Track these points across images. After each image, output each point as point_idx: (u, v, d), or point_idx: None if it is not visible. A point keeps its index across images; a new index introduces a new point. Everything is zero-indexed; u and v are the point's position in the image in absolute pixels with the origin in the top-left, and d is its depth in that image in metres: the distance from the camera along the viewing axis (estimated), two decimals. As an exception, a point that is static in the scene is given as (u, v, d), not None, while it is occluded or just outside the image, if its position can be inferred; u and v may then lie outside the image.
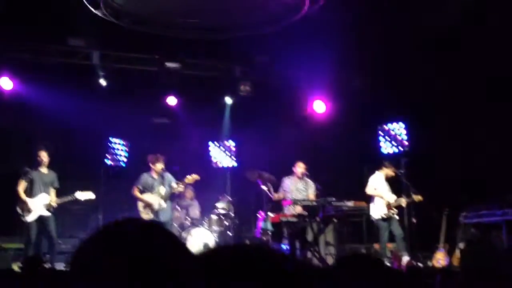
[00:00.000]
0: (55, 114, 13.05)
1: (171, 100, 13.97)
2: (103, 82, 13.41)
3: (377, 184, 11.20)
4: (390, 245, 11.24)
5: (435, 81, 12.09)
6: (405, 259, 10.49)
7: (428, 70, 12.08)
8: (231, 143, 13.80)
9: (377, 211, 11.05)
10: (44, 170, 10.42)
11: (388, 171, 11.23)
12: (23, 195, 10.09)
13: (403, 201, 10.97)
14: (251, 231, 13.31)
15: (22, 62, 12.49)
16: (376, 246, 11.75)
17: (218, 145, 13.82)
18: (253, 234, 12.94)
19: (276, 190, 11.01)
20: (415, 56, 11.98)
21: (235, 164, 13.64)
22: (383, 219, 10.99)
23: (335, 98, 13.93)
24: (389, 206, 10.98)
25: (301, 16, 11.61)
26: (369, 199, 11.14)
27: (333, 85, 13.87)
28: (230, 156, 13.75)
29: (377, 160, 12.00)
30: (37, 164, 10.34)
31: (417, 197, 10.89)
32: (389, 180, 11.30)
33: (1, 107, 12.33)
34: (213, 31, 12.36)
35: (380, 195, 11.06)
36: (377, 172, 11.32)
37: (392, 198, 11.05)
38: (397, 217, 11.00)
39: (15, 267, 10.11)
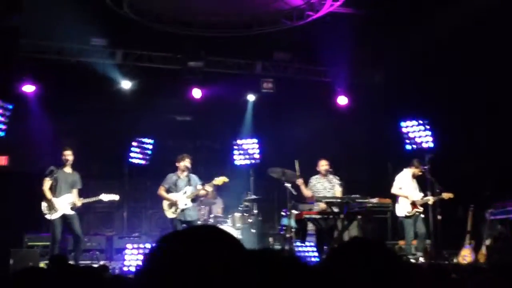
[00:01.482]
0: (79, 114, 13.18)
1: (196, 93, 13.93)
2: (126, 84, 13.49)
3: (403, 183, 11.10)
4: (415, 242, 11.15)
5: (459, 76, 11.96)
6: (420, 259, 10.41)
7: (451, 66, 11.97)
8: (254, 141, 13.79)
9: (401, 209, 10.97)
10: (68, 170, 10.50)
11: (415, 170, 11.10)
12: (48, 194, 10.18)
13: (430, 199, 10.86)
14: (275, 228, 13.31)
15: (47, 61, 12.60)
16: (401, 243, 11.67)
17: (241, 142, 13.82)
18: (276, 231, 12.95)
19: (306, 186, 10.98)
20: (438, 52, 11.88)
21: (258, 162, 13.63)
22: (407, 217, 10.91)
23: (358, 95, 13.86)
24: (414, 205, 10.88)
25: (323, 13, 11.60)
26: (394, 197, 11.07)
27: (356, 82, 13.80)
28: (253, 154, 13.74)
29: (402, 156, 11.92)
30: (62, 163, 10.43)
31: (447, 195, 10.77)
32: (417, 177, 11.19)
33: (26, 107, 12.45)
34: (235, 28, 12.39)
35: (405, 195, 10.96)
36: (404, 170, 11.20)
37: (418, 196, 10.94)
38: (422, 216, 10.90)
39: (42, 265, 10.23)
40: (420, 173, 11.12)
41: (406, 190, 11.02)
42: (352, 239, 2.34)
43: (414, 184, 11.09)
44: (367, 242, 2.19)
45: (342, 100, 14.48)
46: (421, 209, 10.90)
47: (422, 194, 10.93)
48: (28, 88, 12.62)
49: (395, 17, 11.35)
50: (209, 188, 11.07)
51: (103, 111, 13.54)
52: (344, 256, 2.11)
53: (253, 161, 13.60)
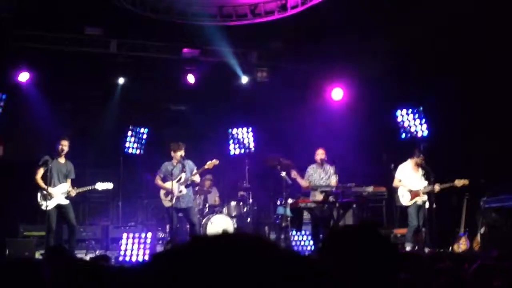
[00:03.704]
0: (74, 103, 13.15)
1: (190, 78, 13.87)
2: (121, 80, 13.46)
3: (403, 175, 11.10)
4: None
5: (453, 64, 11.97)
6: (408, 249, 10.40)
7: (444, 54, 11.98)
8: (249, 130, 13.78)
9: (402, 198, 10.98)
10: (62, 160, 10.48)
11: (417, 159, 11.05)
12: (41, 183, 10.17)
13: (436, 188, 10.74)
14: (270, 217, 13.34)
15: (40, 52, 12.54)
16: (397, 231, 11.70)
17: (236, 132, 13.81)
18: (271, 220, 12.98)
19: (303, 176, 10.99)
20: (432, 40, 11.87)
21: (253, 151, 13.63)
22: (409, 206, 10.90)
23: (353, 84, 13.84)
24: (415, 194, 10.85)
25: (317, 2, 11.57)
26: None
27: (351, 71, 13.78)
28: (248, 143, 13.74)
29: (397, 145, 11.94)
30: (56, 153, 10.40)
31: (461, 181, 10.70)
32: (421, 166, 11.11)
33: (20, 96, 12.41)
34: (229, 18, 12.36)
35: (404, 186, 10.96)
36: (408, 161, 11.16)
37: (421, 185, 10.88)
38: (427, 205, 10.82)
39: (38, 254, 10.26)
40: (421, 163, 11.05)
41: (407, 181, 11.01)
42: (346, 227, 2.35)
43: (417, 174, 11.03)
44: (359, 229, 2.19)
45: (337, 93, 14.48)
46: (423, 197, 10.84)
47: (425, 184, 10.85)
48: (23, 77, 12.55)
49: (390, 5, 11.33)
50: (201, 171, 11.09)
51: (98, 100, 13.50)
52: (339, 243, 2.11)
53: (248, 150, 13.60)
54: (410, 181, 11.01)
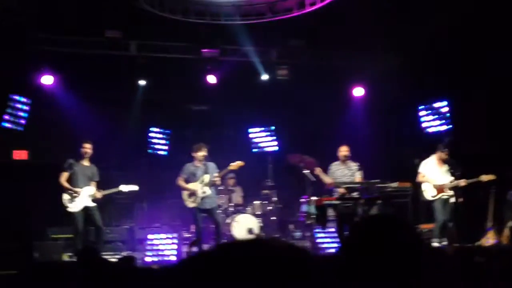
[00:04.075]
0: (96, 106, 13.23)
1: (211, 79, 13.88)
2: (142, 81, 13.51)
3: (427, 170, 11.01)
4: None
5: (478, 56, 11.83)
6: (435, 245, 10.33)
7: (468, 45, 11.84)
8: (271, 128, 13.76)
9: (426, 193, 10.91)
10: (86, 162, 10.55)
11: (441, 154, 10.96)
12: (67, 185, 10.26)
13: (462, 182, 10.64)
14: (294, 215, 13.31)
15: (62, 55, 12.64)
16: (423, 226, 11.60)
17: (258, 130, 13.80)
18: (296, 218, 12.95)
19: (326, 173, 10.95)
20: (455, 33, 11.75)
21: (276, 149, 13.61)
22: (434, 201, 10.83)
23: (374, 79, 13.74)
24: (440, 189, 10.76)
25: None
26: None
27: (372, 66, 13.68)
28: (271, 141, 13.72)
29: (421, 140, 11.84)
30: (80, 156, 10.48)
31: (487, 177, 10.57)
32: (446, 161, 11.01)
33: (44, 100, 12.53)
34: (248, 16, 12.34)
35: (428, 181, 10.88)
36: (432, 156, 11.07)
37: (445, 180, 10.79)
38: (453, 200, 10.72)
39: (66, 257, 10.34)
40: (445, 157, 10.95)
41: (431, 176, 10.92)
42: (372, 217, 2.28)
43: (441, 169, 10.93)
44: (388, 219, 2.16)
45: (358, 91, 14.43)
46: (448, 192, 10.74)
47: (451, 178, 10.74)
48: (47, 80, 12.65)
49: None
50: (226, 172, 11.11)
51: (120, 102, 13.57)
52: (366, 233, 2.08)
53: (271, 149, 13.58)
54: (434, 176, 10.91)
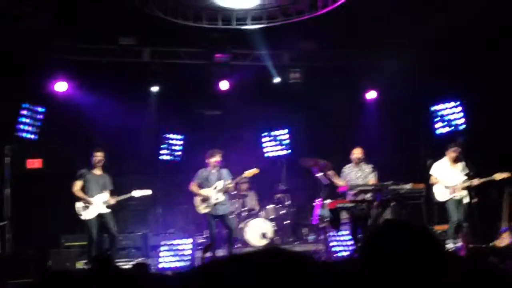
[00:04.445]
0: (109, 113, 13.30)
1: (223, 85, 13.94)
2: (155, 88, 13.57)
3: (438, 171, 11.00)
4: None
5: (489, 56, 11.76)
6: (449, 246, 10.29)
7: (478, 46, 11.78)
8: (284, 131, 13.76)
9: (436, 194, 10.89)
10: (98, 171, 10.59)
11: (452, 154, 10.95)
12: (81, 193, 10.30)
13: (475, 182, 10.58)
14: (308, 219, 13.29)
15: (75, 63, 12.72)
16: (437, 227, 11.56)
17: (271, 134, 13.81)
18: (309, 222, 12.93)
19: (339, 176, 10.93)
20: (465, 33, 11.69)
21: (289, 152, 13.61)
22: (447, 202, 10.81)
23: (386, 80, 13.69)
24: (452, 189, 10.74)
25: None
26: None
27: (385, 64, 13.64)
28: (284, 145, 13.73)
29: (435, 139, 11.79)
30: (92, 165, 10.53)
31: (501, 175, 10.50)
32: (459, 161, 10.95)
33: (58, 108, 12.60)
34: (260, 20, 12.36)
35: (440, 183, 10.86)
36: (444, 157, 11.06)
37: (457, 181, 10.75)
38: (465, 200, 10.67)
39: (80, 265, 10.39)
40: (455, 154, 10.92)
41: (444, 177, 10.90)
42: (387, 223, 2.22)
43: (455, 169, 10.90)
44: (405, 225, 2.13)
45: (371, 94, 14.43)
46: (461, 192, 10.71)
47: (464, 178, 10.70)
48: (60, 87, 12.71)
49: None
50: (240, 179, 11.13)
51: (133, 109, 13.63)
52: (381, 241, 2.05)
53: (284, 152, 13.58)
54: (447, 176, 10.88)
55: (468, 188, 10.59)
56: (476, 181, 10.48)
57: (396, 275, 1.93)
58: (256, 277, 1.36)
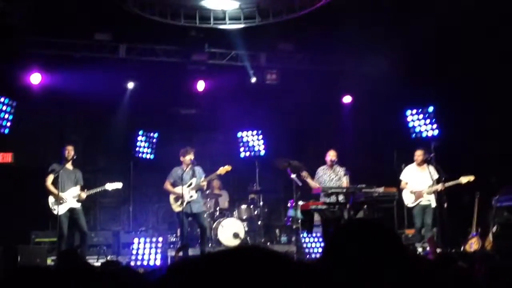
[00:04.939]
0: (84, 109, 13.19)
1: (200, 85, 13.93)
2: (130, 84, 13.49)
3: (407, 177, 11.14)
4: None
5: (464, 63, 11.92)
6: (427, 248, 10.39)
7: (455, 53, 11.93)
8: (258, 132, 13.79)
9: (406, 199, 11.04)
10: (70, 166, 10.51)
11: (417, 159, 11.10)
12: (52, 188, 10.21)
13: (439, 187, 10.72)
14: (281, 220, 13.33)
15: (50, 57, 12.60)
16: (408, 231, 11.68)
17: (246, 134, 13.81)
18: (282, 223, 12.96)
19: (313, 178, 10.96)
20: (441, 40, 11.83)
21: (264, 153, 13.63)
22: (413, 207, 10.95)
23: (363, 84, 13.79)
24: (418, 195, 10.87)
25: (326, 2, 11.54)
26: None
27: (360, 70, 13.74)
28: (258, 146, 13.75)
29: (407, 145, 11.89)
30: (64, 159, 10.44)
31: (466, 178, 10.63)
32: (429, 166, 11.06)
33: (31, 103, 12.46)
34: (238, 20, 12.36)
35: (407, 188, 10.99)
36: (413, 163, 11.20)
37: (424, 186, 10.88)
38: (433, 205, 10.80)
39: (49, 261, 10.28)
40: (421, 159, 11.05)
41: (412, 182, 11.04)
42: (350, 222, 2.26)
43: (421, 174, 11.03)
44: (366, 224, 2.15)
45: (347, 98, 14.56)
46: (427, 198, 10.83)
47: (429, 184, 10.83)
48: (35, 79, 12.56)
49: (399, 4, 11.30)
50: (213, 177, 11.14)
51: (107, 105, 13.54)
52: (344, 240, 2.07)
53: (258, 153, 13.60)
54: (415, 181, 11.01)
55: (436, 193, 10.71)
56: (440, 186, 10.62)
57: (357, 274, 1.94)
58: (231, 276, 1.35)
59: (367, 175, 11.30)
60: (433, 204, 10.78)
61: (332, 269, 1.99)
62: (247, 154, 13.71)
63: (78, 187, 10.47)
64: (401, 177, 11.22)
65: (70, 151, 10.45)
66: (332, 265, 2.00)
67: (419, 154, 11.07)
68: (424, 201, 10.87)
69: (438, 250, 9.83)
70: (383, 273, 1.94)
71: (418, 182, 10.98)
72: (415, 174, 11.10)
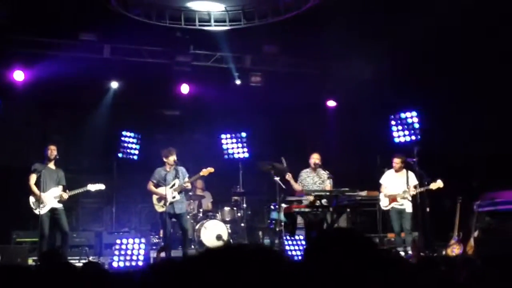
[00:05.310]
0: (67, 109, 13.12)
1: (184, 88, 13.93)
2: (114, 84, 13.42)
3: (385, 181, 11.22)
4: (404, 235, 11.20)
5: (448, 69, 12.01)
6: (409, 252, 10.45)
7: (440, 58, 12.02)
8: (242, 134, 13.79)
9: (381, 202, 11.11)
10: (52, 166, 10.44)
11: (394, 164, 11.17)
12: (35, 188, 10.14)
13: (411, 192, 10.81)
14: (264, 222, 13.33)
15: (35, 56, 12.51)
16: (391, 235, 11.73)
17: (229, 136, 13.81)
18: (265, 225, 12.96)
19: (296, 180, 10.96)
20: (426, 44, 11.91)
21: (247, 155, 13.64)
22: (389, 211, 11.01)
23: (347, 88, 13.84)
24: (392, 199, 10.94)
25: (311, 5, 11.59)
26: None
27: (345, 75, 13.79)
28: (242, 147, 13.75)
29: (390, 149, 11.95)
30: (46, 158, 10.37)
31: (436, 184, 10.72)
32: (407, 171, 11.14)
33: (14, 101, 12.38)
34: (223, 22, 12.37)
35: (384, 192, 11.06)
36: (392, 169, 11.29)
37: (398, 190, 10.96)
38: (408, 210, 10.86)
39: (30, 261, 10.21)
40: (398, 167, 11.11)
41: (388, 187, 11.11)
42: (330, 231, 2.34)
43: (397, 179, 11.11)
44: (345, 233, 2.19)
45: (331, 102, 14.62)
46: (400, 202, 10.90)
47: (404, 188, 10.92)
48: (18, 76, 12.46)
49: (385, 8, 11.36)
50: (196, 178, 11.12)
51: (91, 105, 13.47)
52: (324, 248, 2.11)
53: (241, 155, 13.60)
54: (391, 186, 11.08)
55: (411, 198, 10.79)
56: (412, 191, 10.72)
57: (342, 277, 1.97)
58: (213, 276, 1.35)
59: (351, 179, 11.34)
60: (408, 209, 10.85)
61: (316, 271, 2.01)
62: (231, 156, 13.71)
63: (60, 187, 10.39)
64: (380, 180, 11.29)
65: (52, 150, 10.38)
66: (315, 267, 2.02)
67: (396, 162, 11.12)
68: (397, 205, 10.93)
69: (421, 254, 9.89)
70: (367, 276, 1.97)
71: (394, 187, 11.06)
72: (392, 179, 11.18)
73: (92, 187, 10.77)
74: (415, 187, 10.83)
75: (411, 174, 10.98)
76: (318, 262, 2.05)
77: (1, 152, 12.62)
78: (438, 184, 10.67)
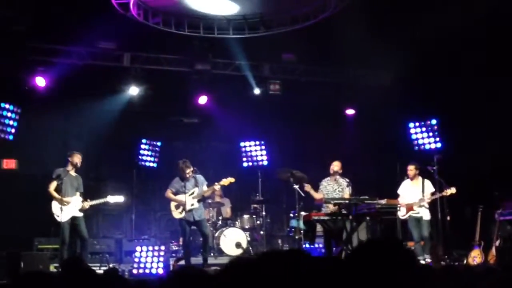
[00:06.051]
0: (87, 117, 13.21)
1: (202, 99, 14.00)
2: (134, 90, 13.47)
3: (402, 190, 11.18)
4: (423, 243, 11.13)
5: (468, 78, 11.93)
6: (427, 261, 10.39)
7: (459, 66, 11.95)
8: (262, 142, 13.80)
9: (400, 213, 11.07)
10: (72, 173, 10.51)
11: (409, 172, 11.14)
12: (55, 194, 10.21)
13: (426, 199, 10.76)
14: (283, 230, 13.31)
15: (56, 64, 12.61)
16: (410, 244, 11.65)
17: (249, 144, 13.83)
18: (285, 233, 12.95)
19: (316, 189, 10.93)
20: (445, 51, 11.85)
21: (266, 163, 13.64)
22: (408, 220, 10.96)
23: (366, 95, 13.80)
24: (409, 208, 10.90)
25: (329, 15, 11.59)
26: None
27: (364, 82, 13.77)
28: (261, 155, 13.76)
29: (410, 157, 11.90)
30: (69, 165, 10.44)
31: (449, 191, 10.68)
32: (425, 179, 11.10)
33: (36, 110, 12.49)
34: (242, 31, 12.40)
35: (400, 201, 11.01)
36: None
37: (414, 199, 10.91)
38: (426, 218, 10.81)
39: (52, 267, 10.28)
40: (413, 174, 11.07)
41: (404, 196, 11.07)
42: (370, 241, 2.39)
43: (413, 188, 11.08)
44: (385, 243, 2.23)
45: (350, 110, 14.58)
46: (417, 210, 10.85)
47: (419, 197, 10.88)
48: (40, 82, 12.55)
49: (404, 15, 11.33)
50: (216, 187, 11.08)
51: (111, 113, 13.56)
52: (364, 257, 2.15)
53: (260, 163, 13.62)
54: (407, 195, 11.04)
55: (429, 205, 10.76)
56: (427, 199, 10.70)
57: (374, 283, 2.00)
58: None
59: (370, 187, 11.30)
60: (426, 217, 10.81)
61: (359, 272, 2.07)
62: (250, 164, 13.72)
63: (78, 194, 10.46)
64: (398, 191, 11.26)
65: (76, 159, 10.45)
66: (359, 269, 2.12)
67: (410, 169, 11.11)
68: (414, 213, 10.89)
69: (442, 263, 9.82)
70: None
71: (410, 196, 11.04)
72: (408, 188, 11.16)
73: (112, 199, 10.82)
74: (432, 194, 10.79)
75: (427, 182, 10.95)
76: (363, 265, 2.09)
77: (23, 160, 12.73)
78: (451, 190, 10.64)
